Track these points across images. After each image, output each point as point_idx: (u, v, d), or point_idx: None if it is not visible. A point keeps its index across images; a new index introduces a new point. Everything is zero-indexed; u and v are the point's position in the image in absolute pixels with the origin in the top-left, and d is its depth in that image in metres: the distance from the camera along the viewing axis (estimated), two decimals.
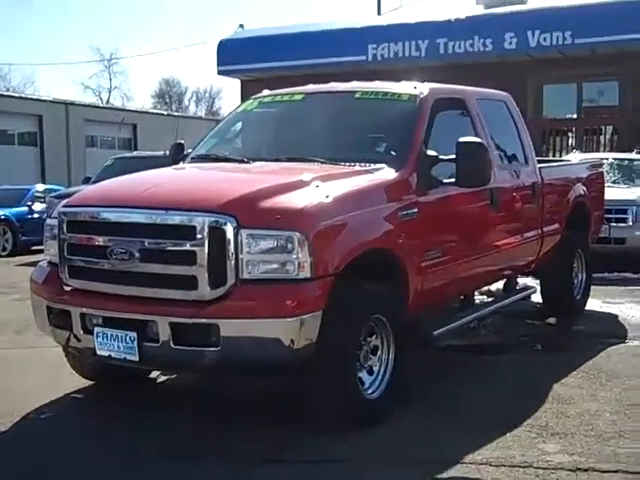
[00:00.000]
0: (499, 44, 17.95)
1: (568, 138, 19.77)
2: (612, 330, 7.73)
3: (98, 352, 4.77)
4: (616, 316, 8.42)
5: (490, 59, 18.13)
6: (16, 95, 37.86)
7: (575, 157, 13.17)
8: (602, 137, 19.32)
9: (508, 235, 6.71)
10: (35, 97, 39.05)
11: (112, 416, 5.31)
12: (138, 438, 4.87)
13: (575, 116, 19.56)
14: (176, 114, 43.97)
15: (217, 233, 4.49)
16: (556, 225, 7.78)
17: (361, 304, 4.84)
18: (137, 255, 4.63)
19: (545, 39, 17.59)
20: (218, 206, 4.55)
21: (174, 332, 4.50)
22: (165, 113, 45.64)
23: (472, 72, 16.77)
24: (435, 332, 5.68)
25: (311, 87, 6.51)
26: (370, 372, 5.08)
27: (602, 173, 9.37)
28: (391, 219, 5.18)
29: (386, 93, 6.09)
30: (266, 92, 6.64)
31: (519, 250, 6.95)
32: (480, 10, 19.07)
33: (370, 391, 5.02)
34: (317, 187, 4.89)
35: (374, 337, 5.10)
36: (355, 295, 4.80)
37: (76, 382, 5.83)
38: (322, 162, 5.53)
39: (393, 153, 5.62)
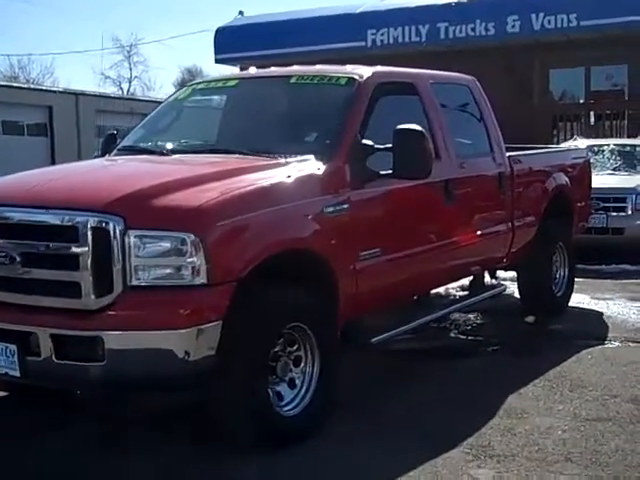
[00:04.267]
0: (502, 28, 17.28)
1: (579, 123, 19.06)
2: (591, 330, 7.17)
3: None
4: (601, 314, 7.85)
5: (493, 43, 17.47)
6: (25, 86, 37.65)
7: (577, 143, 12.56)
8: (613, 122, 18.57)
9: (468, 230, 6.17)
10: (45, 88, 38.82)
11: None
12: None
13: (583, 101, 18.83)
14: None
15: (102, 235, 4.02)
16: (531, 217, 7.23)
17: (273, 311, 4.35)
18: (18, 259, 4.17)
19: (549, 22, 16.89)
20: (103, 205, 4.08)
21: (56, 345, 4.04)
22: None
23: (475, 57, 16.25)
24: (374, 339, 5.17)
25: (247, 72, 6.01)
26: (292, 385, 4.59)
27: (588, 161, 8.78)
28: (314, 216, 4.68)
29: (323, 77, 5.57)
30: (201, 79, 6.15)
31: (483, 245, 6.41)
32: None
33: (289, 407, 4.53)
34: (222, 182, 4.41)
35: (296, 347, 4.61)
36: (265, 302, 4.32)
37: None
38: (244, 154, 5.05)
39: (323, 143, 5.11)
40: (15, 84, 37.92)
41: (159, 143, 5.58)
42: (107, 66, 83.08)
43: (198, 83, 6.06)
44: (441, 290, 7.37)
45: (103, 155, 5.91)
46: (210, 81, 6.03)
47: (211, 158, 5.09)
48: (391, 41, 18.38)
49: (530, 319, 7.60)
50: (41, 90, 36.45)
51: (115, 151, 5.80)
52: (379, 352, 5.95)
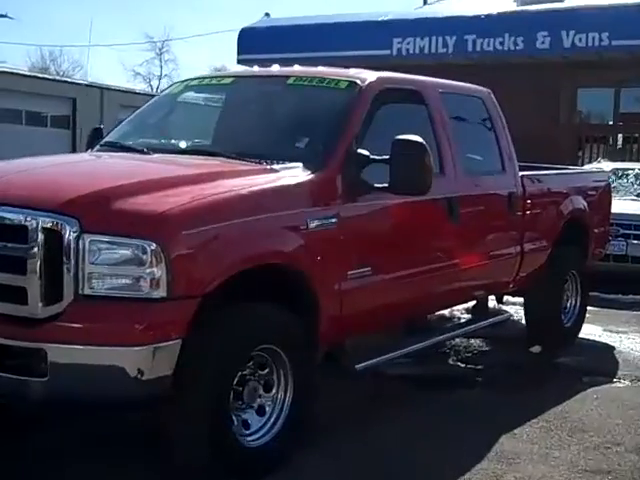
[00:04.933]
0: (531, 43, 16.76)
1: (606, 145, 18.51)
2: (600, 366, 6.71)
3: None
4: (613, 348, 7.37)
5: (521, 59, 16.98)
6: (50, 77, 37.58)
7: (601, 166, 12.09)
8: None
9: (471, 251, 5.74)
10: (70, 80, 38.73)
11: None
12: None
13: (611, 122, 18.29)
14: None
15: (54, 237, 3.64)
16: (543, 241, 6.78)
17: (242, 331, 3.95)
18: None
19: (580, 40, 16.35)
20: (57, 204, 3.70)
21: None
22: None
23: (502, 72, 15.78)
24: (358, 365, 4.75)
25: (245, 70, 5.63)
26: (261, 412, 4.19)
27: (609, 185, 8.31)
28: (296, 230, 4.28)
29: (322, 79, 5.16)
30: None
31: (488, 269, 5.97)
32: (513, 7, 17.91)
33: (255, 437, 4.13)
34: (196, 187, 4.02)
35: (267, 371, 4.21)
36: (233, 320, 3.93)
37: None
38: (229, 157, 4.66)
39: (314, 150, 4.71)
40: (40, 75, 37.84)
41: (142, 140, 5.20)
42: (138, 62, 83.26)
43: (192, 79, 5.68)
44: (442, 312, 6.93)
45: (87, 150, 5.56)
46: (205, 78, 5.65)
47: (192, 160, 4.71)
48: (417, 51, 17.92)
49: (536, 349, 7.14)
50: (66, 82, 36.34)
51: (97, 146, 5.43)
52: (368, 376, 5.53)
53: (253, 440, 4.12)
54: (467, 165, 5.73)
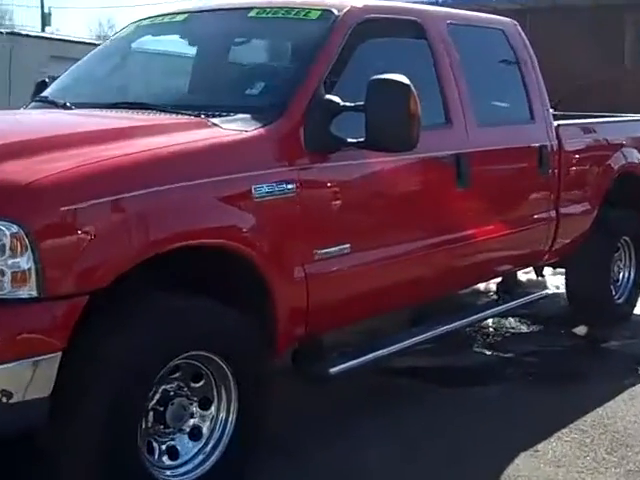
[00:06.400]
0: None
1: None
2: None
3: None
4: None
5: (579, 1, 15.48)
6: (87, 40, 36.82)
7: None
8: None
9: (488, 221, 4.68)
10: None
11: None
12: None
13: None
14: None
15: None
16: (585, 204, 5.67)
17: (152, 336, 3.01)
18: None
19: None
20: None
21: None
22: None
23: (554, 15, 14.38)
24: (333, 369, 3.76)
25: (201, 5, 4.63)
26: (195, 436, 3.27)
27: None
28: (237, 199, 3.30)
29: (290, 10, 4.10)
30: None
31: (511, 241, 4.89)
32: None
33: (186, 469, 3.21)
34: (96, 148, 3.07)
35: (202, 383, 3.28)
36: (140, 322, 2.99)
37: None
38: (163, 110, 3.70)
39: (269, 97, 3.72)
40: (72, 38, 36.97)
41: (76, 94, 4.28)
42: None
43: (143, 19, 4.69)
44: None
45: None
46: (156, 17, 4.65)
47: (114, 114, 3.78)
48: None
49: (580, 331, 6.04)
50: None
51: (32, 103, 4.52)
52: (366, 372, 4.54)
53: (183, 474, 3.19)
54: (483, 114, 4.65)
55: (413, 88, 3.50)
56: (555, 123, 5.34)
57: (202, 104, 3.72)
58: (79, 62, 4.64)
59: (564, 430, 4.14)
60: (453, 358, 5.38)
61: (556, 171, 5.27)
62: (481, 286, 6.73)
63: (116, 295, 2.91)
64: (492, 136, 4.69)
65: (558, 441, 4.01)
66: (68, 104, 3.96)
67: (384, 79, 3.50)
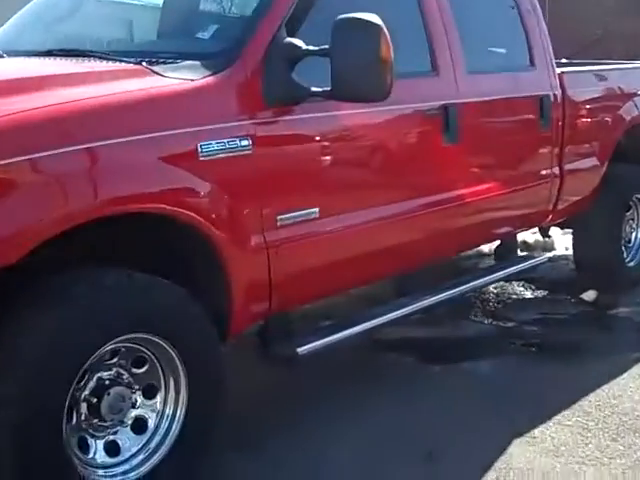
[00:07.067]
0: None
1: None
2: None
3: None
4: None
5: None
6: None
7: None
8: None
9: (481, 179, 4.22)
10: None
11: None
12: None
13: None
14: None
15: None
16: (592, 159, 5.20)
17: (77, 319, 2.59)
18: None
19: None
20: None
21: None
22: None
23: None
24: (301, 349, 3.34)
25: None
26: (139, 430, 2.87)
27: None
28: (178, 159, 2.85)
29: None
30: None
31: (507, 201, 4.44)
32: None
33: (125, 467, 2.82)
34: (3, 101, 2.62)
35: (145, 368, 2.88)
36: (60, 304, 2.58)
37: None
38: (101, 57, 3.25)
39: (222, 41, 3.26)
40: None
41: (12, 41, 3.85)
42: None
43: None
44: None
45: None
46: None
47: (43, 61, 3.35)
48: None
49: (589, 296, 5.59)
50: None
51: None
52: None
53: (123, 473, 2.80)
54: (475, 60, 4.16)
55: (385, 28, 3.03)
56: (559, 70, 4.85)
57: (147, 50, 3.27)
58: (24, 8, 4.18)
59: (565, 412, 3.72)
60: (447, 328, 4.96)
61: (559, 123, 4.79)
62: (485, 248, 6.28)
63: (34, 269, 2.51)
64: (485, 85, 4.21)
65: (558, 426, 3.59)
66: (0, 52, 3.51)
67: (350, 18, 3.03)
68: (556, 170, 4.83)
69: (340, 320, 3.69)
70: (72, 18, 3.92)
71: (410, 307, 3.91)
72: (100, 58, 3.25)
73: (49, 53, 3.42)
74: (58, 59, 3.32)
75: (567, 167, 4.92)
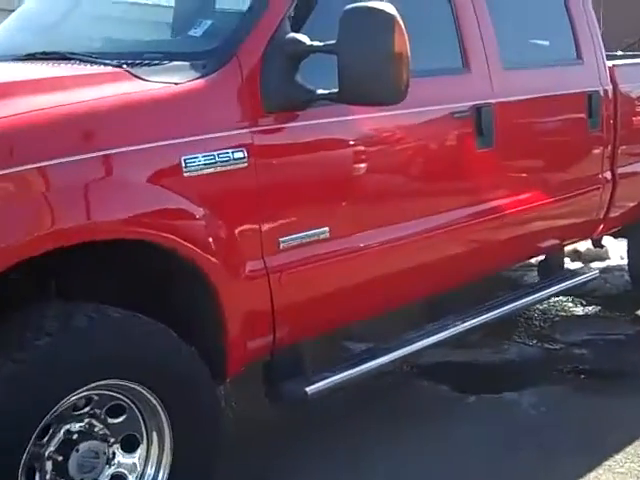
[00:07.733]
0: None
1: None
2: None
3: None
4: None
5: None
6: None
7: None
8: None
9: (523, 187, 3.77)
10: None
11: None
12: None
13: None
14: None
15: None
16: None
17: (36, 365, 2.21)
18: None
19: None
20: None
21: None
22: None
23: None
24: (310, 388, 2.93)
25: None
26: None
27: None
28: (158, 176, 2.46)
29: None
30: None
31: (551, 211, 3.98)
32: None
33: None
34: None
35: (124, 418, 2.49)
36: (16, 345, 2.22)
37: None
38: (81, 60, 2.88)
39: (215, 39, 2.85)
40: None
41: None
42: None
43: None
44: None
45: None
46: None
47: (16, 66, 2.99)
48: None
49: None
50: None
51: None
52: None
53: None
54: (513, 54, 3.71)
55: (399, 18, 2.60)
56: (609, 63, 4.36)
57: (131, 51, 2.88)
58: (16, 11, 3.85)
59: (617, 456, 3.24)
60: (486, 351, 4.50)
61: (611, 122, 4.31)
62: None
63: None
64: (524, 82, 3.75)
65: (609, 473, 3.11)
66: None
67: (359, 7, 2.61)
68: (607, 175, 4.34)
69: (361, 352, 3.26)
70: (57, 20, 3.55)
71: (441, 334, 3.46)
72: (81, 61, 2.87)
73: (28, 57, 3.06)
74: (35, 63, 2.96)
75: (620, 171, 4.43)
